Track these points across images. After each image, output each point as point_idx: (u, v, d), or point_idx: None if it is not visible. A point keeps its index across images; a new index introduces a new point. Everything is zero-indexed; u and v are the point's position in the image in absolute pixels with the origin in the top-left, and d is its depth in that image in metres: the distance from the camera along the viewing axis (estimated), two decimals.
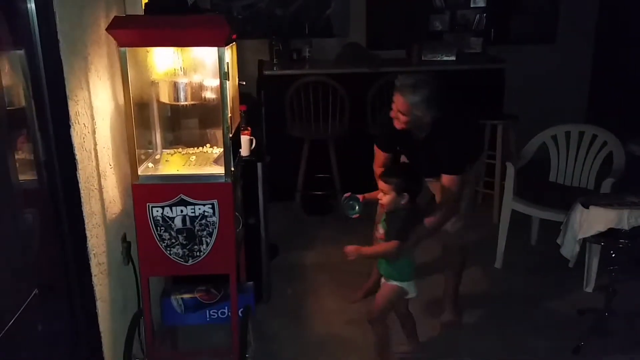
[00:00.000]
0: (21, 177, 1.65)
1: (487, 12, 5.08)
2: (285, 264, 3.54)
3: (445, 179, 2.53)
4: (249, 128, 2.85)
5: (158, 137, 2.36)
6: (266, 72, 4.30)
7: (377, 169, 2.70)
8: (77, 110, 1.78)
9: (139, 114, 2.19)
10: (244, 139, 2.71)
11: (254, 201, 2.96)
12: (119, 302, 2.14)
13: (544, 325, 2.89)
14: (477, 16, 5.07)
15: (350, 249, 2.40)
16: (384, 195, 2.39)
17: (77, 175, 1.77)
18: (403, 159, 2.87)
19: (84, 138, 1.83)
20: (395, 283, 2.46)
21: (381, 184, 2.40)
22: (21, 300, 1.40)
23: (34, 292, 1.44)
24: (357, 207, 2.59)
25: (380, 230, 2.47)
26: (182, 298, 2.39)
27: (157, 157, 2.29)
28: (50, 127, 1.68)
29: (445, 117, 2.50)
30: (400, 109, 2.46)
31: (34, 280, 1.50)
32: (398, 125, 2.51)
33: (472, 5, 5.07)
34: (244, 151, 2.69)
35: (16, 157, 1.60)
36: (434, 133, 2.53)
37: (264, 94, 4.07)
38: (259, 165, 2.85)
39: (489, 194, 4.25)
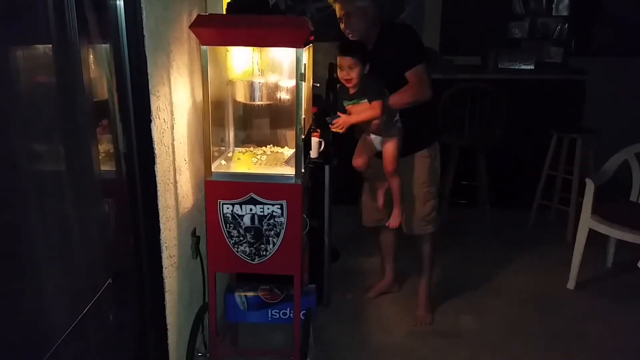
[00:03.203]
0: (102, 168, 1.71)
1: (570, 21, 4.87)
2: (345, 268, 3.51)
3: (410, 74, 2.53)
4: (319, 130, 2.84)
5: (231, 136, 2.39)
6: (336, 75, 4.27)
7: None
8: (158, 105, 1.82)
9: (215, 112, 2.21)
10: (314, 141, 2.71)
11: (319, 204, 2.95)
12: (185, 296, 2.17)
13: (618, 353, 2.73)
14: (559, 25, 4.87)
15: (338, 120, 2.51)
16: (349, 72, 2.45)
17: (155, 168, 1.81)
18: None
19: (163, 133, 1.87)
20: (394, 138, 2.59)
21: (345, 61, 2.45)
22: (97, 289, 1.44)
23: (109, 281, 1.47)
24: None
25: (358, 107, 2.53)
26: (245, 296, 2.40)
27: (230, 155, 2.32)
28: (131, 121, 1.72)
29: (387, 23, 2.64)
30: (349, 10, 2.55)
31: (109, 270, 1.53)
32: (353, 37, 2.59)
33: (553, 14, 4.86)
34: (313, 153, 2.68)
35: (98, 147, 1.65)
36: (381, 40, 2.60)
37: (333, 95, 4.06)
38: (327, 167, 2.83)
39: (564, 211, 4.06)
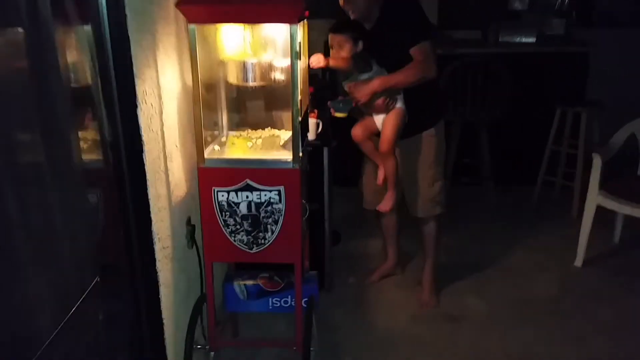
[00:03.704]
0: (85, 158, 1.61)
1: None
2: (347, 251, 3.43)
3: (414, 51, 2.41)
4: (316, 110, 2.74)
5: (225, 119, 2.28)
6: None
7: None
8: (144, 89, 1.71)
9: (207, 94, 2.11)
10: (311, 122, 2.60)
11: (319, 186, 2.86)
12: (181, 287, 2.09)
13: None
14: None
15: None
16: (340, 51, 2.39)
17: (144, 157, 1.71)
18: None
19: (150, 118, 1.77)
20: (394, 115, 2.49)
21: (336, 39, 2.39)
22: (84, 287, 1.35)
23: (96, 279, 1.38)
24: (346, 109, 2.51)
25: (350, 86, 2.46)
26: (244, 284, 2.33)
27: (223, 139, 2.22)
28: (116, 107, 1.62)
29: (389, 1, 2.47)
30: None
31: (98, 266, 1.44)
32: (355, 15, 2.47)
33: None
34: (311, 135, 2.58)
35: (81, 136, 1.56)
36: (381, 18, 2.48)
37: (330, 73, 3.94)
38: (325, 150, 2.73)
39: (568, 187, 3.98)
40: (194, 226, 2.16)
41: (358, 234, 3.60)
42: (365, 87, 2.39)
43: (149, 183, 1.75)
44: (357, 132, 2.67)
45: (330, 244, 3.02)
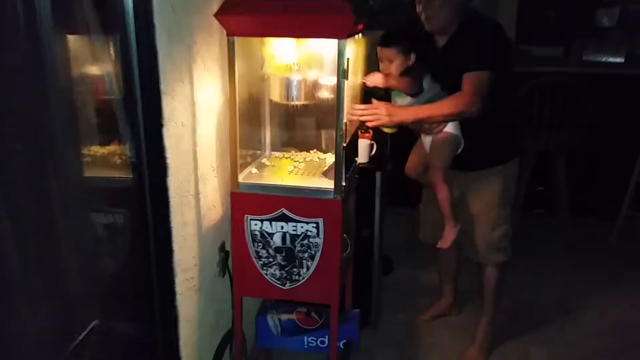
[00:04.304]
0: (106, 180, 1.49)
1: None
2: (399, 282, 3.17)
3: (466, 77, 2.08)
4: (371, 130, 2.51)
5: (268, 138, 2.11)
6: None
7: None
8: (174, 106, 1.56)
9: (249, 112, 1.95)
10: (363, 144, 2.38)
11: (370, 211, 2.63)
12: (209, 320, 1.92)
13: None
14: None
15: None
16: (389, 65, 2.14)
17: (167, 181, 1.56)
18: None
19: (180, 138, 1.62)
20: (448, 130, 2.20)
21: (383, 53, 2.16)
22: (78, 330, 1.20)
23: (94, 322, 1.23)
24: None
25: (398, 102, 2.20)
26: (279, 318, 2.14)
27: (264, 160, 2.04)
28: (139, 125, 1.48)
29: (471, 17, 2.17)
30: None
31: (98, 307, 1.29)
32: (431, 26, 2.16)
33: None
34: (362, 158, 2.36)
35: (96, 154, 1.43)
36: (457, 33, 2.16)
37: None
38: (378, 174, 2.50)
39: None
40: (227, 253, 2.00)
41: (413, 263, 3.32)
42: (394, 114, 2.08)
43: (172, 209, 1.59)
44: (410, 165, 2.45)
45: (379, 275, 2.79)
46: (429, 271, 3.14)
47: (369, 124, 2.09)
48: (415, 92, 2.14)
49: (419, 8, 2.16)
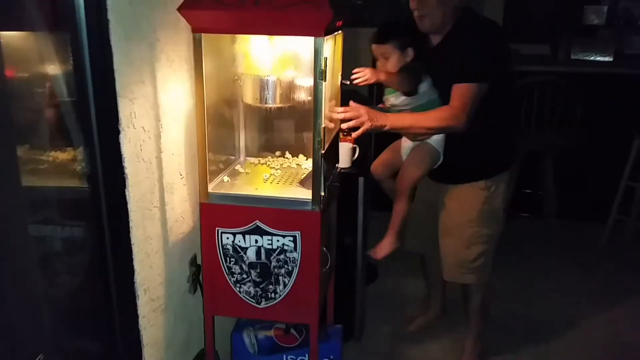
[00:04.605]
0: (57, 192, 1.33)
1: None
2: (384, 291, 3.04)
3: (456, 88, 1.90)
4: (353, 134, 2.38)
5: (242, 143, 1.97)
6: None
7: None
8: (132, 110, 1.41)
9: (221, 114, 1.81)
10: (344, 147, 2.24)
11: (352, 217, 2.49)
12: (179, 340, 1.78)
13: None
14: None
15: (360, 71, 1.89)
16: (385, 63, 2.00)
17: (126, 193, 1.41)
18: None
19: (141, 145, 1.47)
20: (431, 143, 2.06)
21: (377, 49, 2.01)
22: None
23: (40, 357, 1.08)
24: None
25: (391, 100, 2.05)
26: (256, 336, 2.00)
27: (238, 167, 1.90)
28: (93, 131, 1.32)
29: (467, 16, 1.98)
30: None
31: (45, 339, 1.14)
32: (424, 25, 1.97)
33: None
34: (343, 162, 2.22)
35: (49, 162, 1.28)
36: (451, 34, 1.98)
37: (377, 89, 3.57)
38: (361, 180, 2.36)
39: None
40: (199, 267, 1.85)
41: (400, 270, 3.16)
42: (375, 118, 1.86)
43: (133, 224, 1.44)
44: (378, 165, 2.28)
45: (363, 284, 2.65)
46: (415, 278, 3.00)
47: (346, 125, 1.87)
48: (409, 90, 1.99)
49: (412, 4, 1.98)
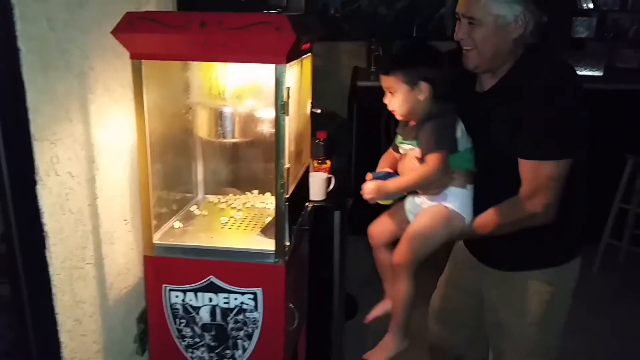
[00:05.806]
0: None
1: None
2: (366, 326, 2.82)
3: (526, 166, 1.39)
4: (328, 161, 2.16)
5: (200, 178, 1.74)
6: (361, 83, 3.56)
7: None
8: (54, 155, 1.18)
9: (174, 148, 1.58)
10: (318, 178, 2.02)
11: (328, 249, 2.26)
12: None
13: None
14: (634, 23, 4.03)
15: (370, 186, 1.52)
16: (390, 99, 1.48)
17: (47, 254, 1.17)
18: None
19: (67, 194, 1.23)
20: (447, 204, 1.48)
21: (383, 81, 1.49)
22: None
23: None
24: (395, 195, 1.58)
25: (406, 148, 1.54)
26: None
27: (194, 208, 1.66)
28: (4, 183, 1.09)
29: (533, 56, 1.42)
30: (475, 16, 1.37)
31: None
32: (469, 62, 1.43)
33: (628, 9, 4.03)
34: (315, 195, 1.99)
35: None
36: (511, 78, 1.42)
37: (357, 110, 3.36)
38: (337, 214, 2.14)
39: (636, 254, 3.29)
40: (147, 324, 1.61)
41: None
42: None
43: (57, 289, 1.21)
44: (376, 231, 1.64)
45: (341, 321, 2.43)
46: None
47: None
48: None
49: (456, 33, 1.44)
